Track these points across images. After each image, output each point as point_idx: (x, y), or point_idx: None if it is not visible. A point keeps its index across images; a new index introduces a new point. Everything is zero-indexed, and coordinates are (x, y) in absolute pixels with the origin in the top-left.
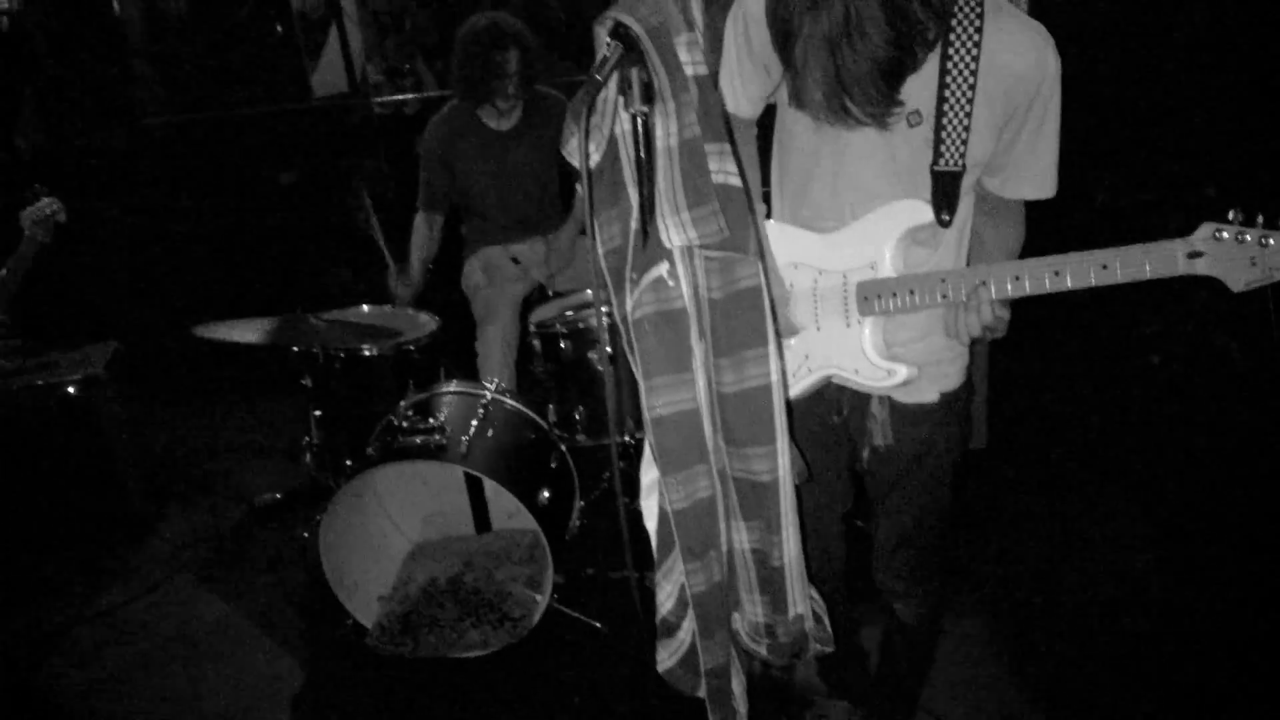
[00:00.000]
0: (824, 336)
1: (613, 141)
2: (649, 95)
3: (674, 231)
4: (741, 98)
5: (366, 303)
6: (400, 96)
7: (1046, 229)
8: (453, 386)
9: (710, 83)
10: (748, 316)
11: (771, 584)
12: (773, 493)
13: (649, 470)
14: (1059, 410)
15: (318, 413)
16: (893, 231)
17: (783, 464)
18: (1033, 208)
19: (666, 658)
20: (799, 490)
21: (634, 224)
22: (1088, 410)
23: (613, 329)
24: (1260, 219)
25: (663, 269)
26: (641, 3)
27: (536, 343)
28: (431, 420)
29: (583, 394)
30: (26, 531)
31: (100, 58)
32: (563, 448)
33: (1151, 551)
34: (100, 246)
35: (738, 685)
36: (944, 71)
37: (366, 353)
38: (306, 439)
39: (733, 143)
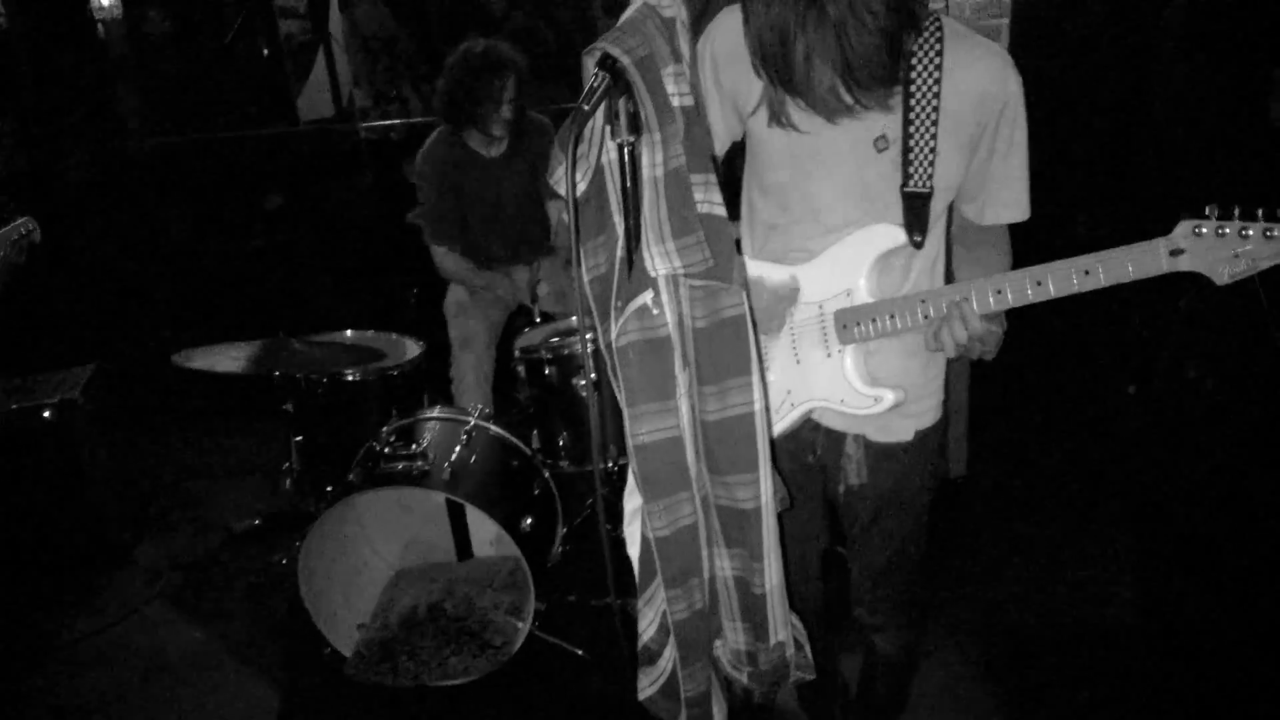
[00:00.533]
0: (804, 369)
1: (599, 170)
2: (636, 125)
3: (659, 260)
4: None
5: (350, 327)
6: (388, 122)
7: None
8: (436, 412)
9: (696, 114)
10: (731, 345)
11: (753, 611)
12: (755, 520)
13: (632, 497)
14: (1039, 439)
15: (299, 438)
16: (867, 256)
17: (765, 491)
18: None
19: (647, 685)
20: (781, 518)
21: (619, 252)
22: (1067, 439)
23: (597, 356)
24: (1236, 211)
25: (647, 297)
26: (630, 34)
27: (521, 369)
28: (414, 446)
29: (566, 420)
30: (6, 555)
31: (83, 79)
32: (546, 474)
33: (1133, 578)
34: (81, 268)
35: (719, 713)
36: (908, 95)
37: (350, 377)
38: (287, 464)
39: (717, 173)
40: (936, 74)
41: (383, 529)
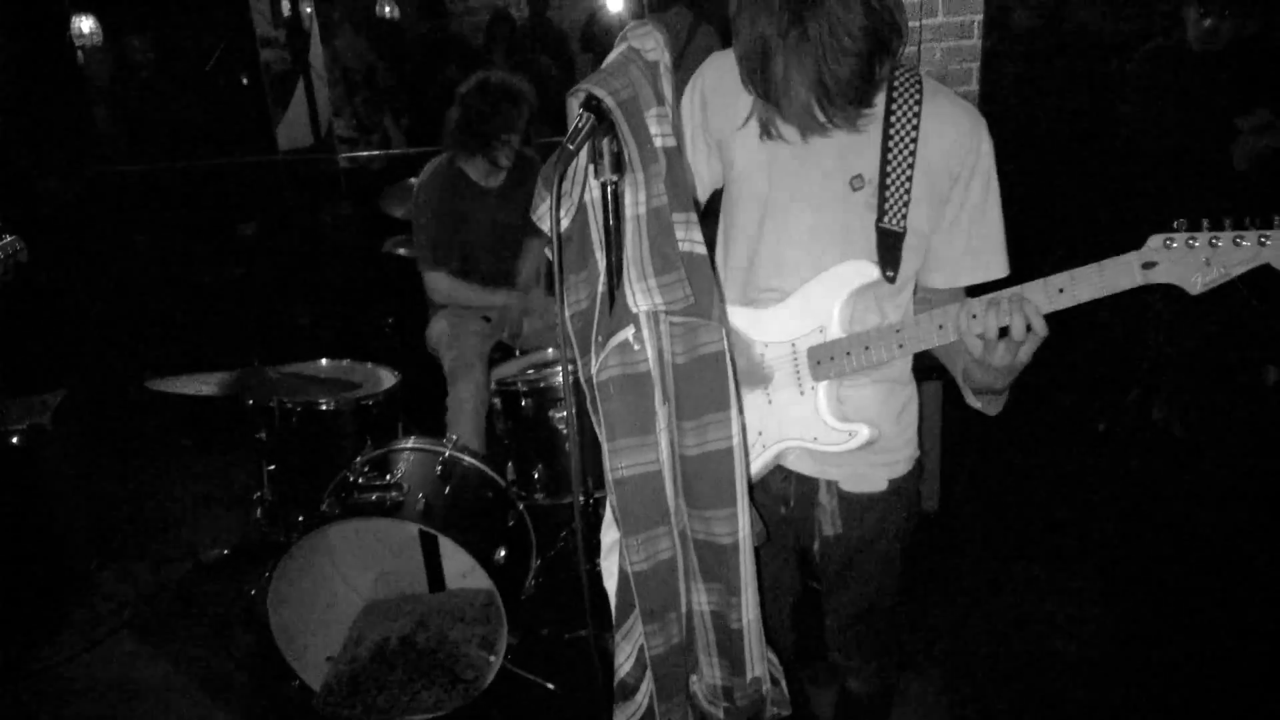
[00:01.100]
0: (776, 409)
1: (582, 208)
2: (619, 165)
3: (641, 297)
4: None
5: (325, 356)
6: (369, 153)
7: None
8: (410, 443)
9: (679, 154)
10: (710, 381)
11: (730, 646)
12: (733, 555)
13: (609, 531)
14: (1010, 474)
15: (271, 467)
16: (840, 292)
17: (743, 526)
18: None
19: None
20: (758, 553)
21: (601, 288)
22: (1038, 474)
23: (577, 389)
24: (1205, 223)
25: (629, 333)
26: (615, 76)
27: (497, 400)
28: (388, 476)
29: (542, 453)
30: None
31: (61, 105)
32: (520, 506)
33: (1103, 612)
34: (55, 292)
35: None
36: (887, 137)
37: (323, 407)
38: (258, 494)
39: (699, 212)
40: (915, 119)
41: (355, 560)
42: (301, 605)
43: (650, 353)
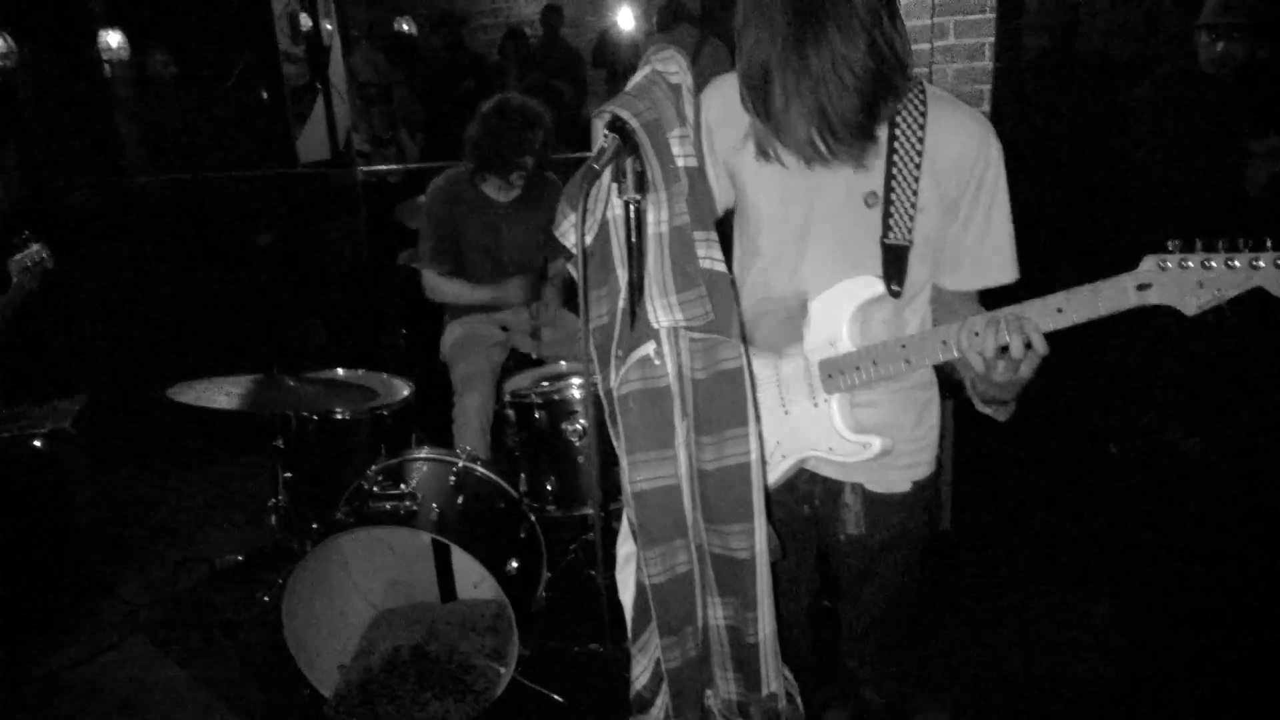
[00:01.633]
0: (792, 420)
1: (604, 225)
2: (641, 184)
3: (662, 313)
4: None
5: (341, 365)
6: (386, 167)
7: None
8: (424, 453)
9: (700, 174)
10: (729, 396)
11: (746, 661)
12: (749, 570)
13: (625, 543)
14: (1022, 493)
15: (288, 474)
16: (847, 307)
17: (759, 541)
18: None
19: None
20: (774, 568)
21: (621, 303)
22: (1050, 494)
23: (594, 402)
24: (1199, 244)
25: (649, 348)
26: (638, 98)
27: (511, 412)
28: (402, 486)
29: (555, 465)
30: None
31: (86, 115)
32: (532, 518)
33: (1118, 634)
34: (76, 300)
35: None
36: (891, 150)
37: (339, 416)
38: (273, 500)
39: (723, 233)
40: (920, 133)
41: (367, 568)
42: (314, 613)
43: (670, 368)
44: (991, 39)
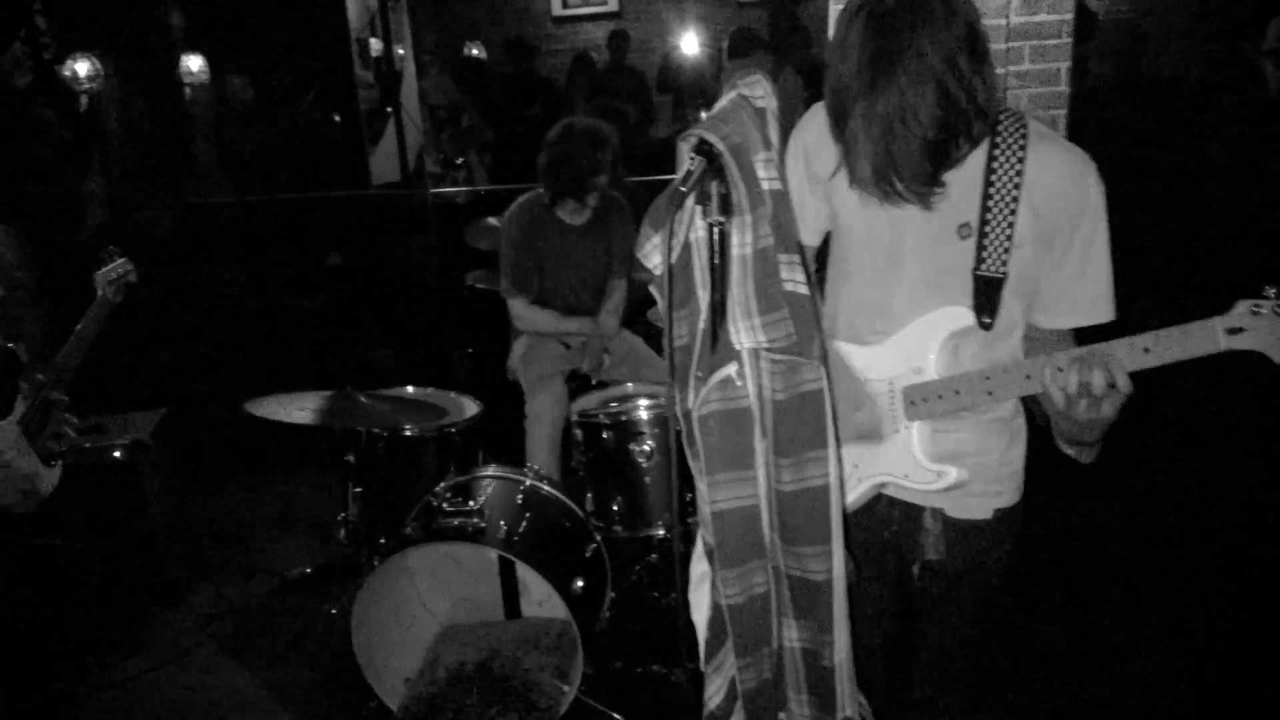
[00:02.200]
0: (871, 444)
1: (686, 247)
2: (726, 207)
3: (745, 334)
4: (801, 226)
5: (411, 383)
6: (455, 189)
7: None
8: (491, 470)
9: (784, 198)
10: (809, 418)
11: (821, 684)
12: (826, 592)
13: (699, 563)
14: (1087, 522)
15: (357, 489)
16: (935, 336)
17: (837, 564)
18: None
19: None
20: (852, 588)
21: (702, 324)
22: (1119, 528)
23: (663, 423)
24: None
25: (731, 369)
26: (725, 122)
27: (579, 432)
28: (471, 503)
29: (622, 486)
30: (63, 591)
31: (166, 136)
32: (598, 538)
33: (1187, 668)
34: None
35: None
36: (988, 183)
37: (408, 433)
38: (343, 515)
39: (802, 254)
40: (1019, 165)
41: (434, 584)
42: (382, 626)
43: (751, 389)
44: (1068, 64)
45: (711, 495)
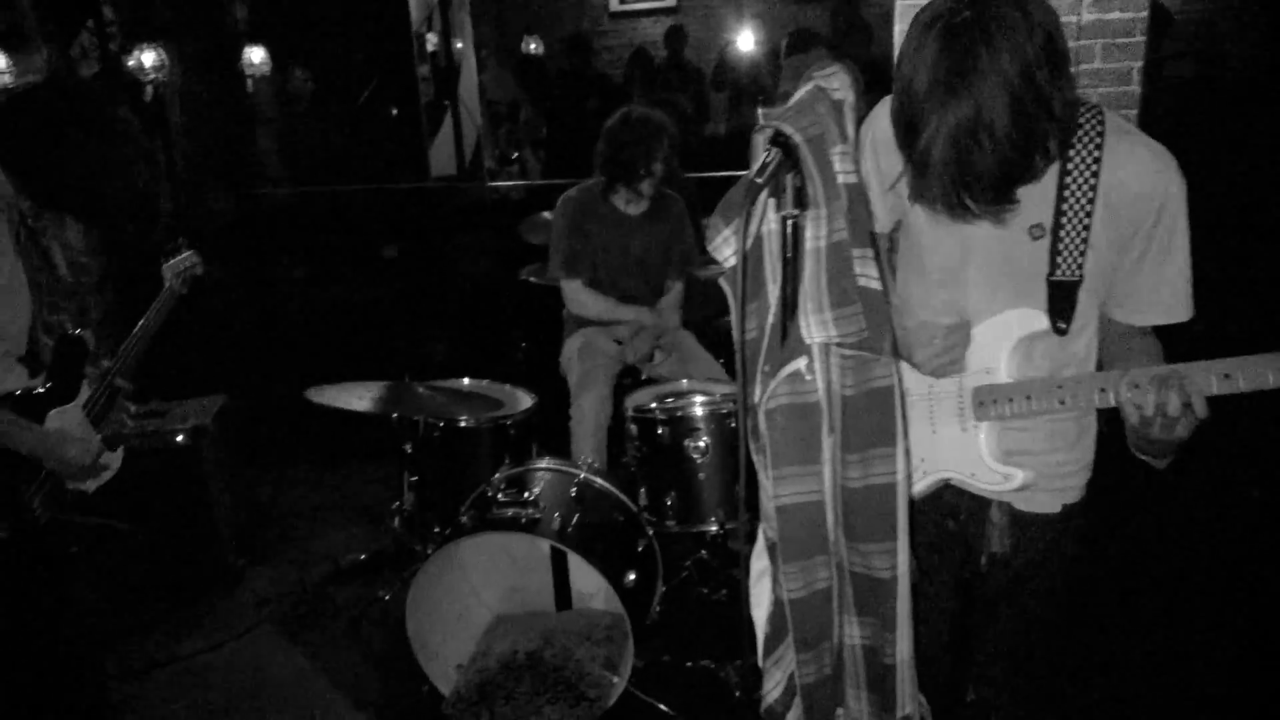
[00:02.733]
0: (940, 440)
1: (757, 240)
2: (801, 200)
3: (816, 328)
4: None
5: (467, 375)
6: (512, 183)
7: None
8: (545, 463)
9: (859, 191)
10: (878, 415)
11: (881, 682)
12: (890, 590)
13: (759, 559)
14: (1158, 530)
15: (413, 478)
16: (1009, 338)
17: (902, 561)
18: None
19: None
20: (914, 586)
21: (771, 319)
22: (1187, 534)
23: (719, 419)
24: None
25: (801, 363)
26: (802, 114)
27: (634, 427)
28: (525, 494)
29: (676, 481)
30: (126, 570)
31: (229, 127)
32: (650, 532)
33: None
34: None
35: None
36: (1063, 185)
37: (464, 424)
38: (398, 503)
39: (875, 249)
40: (1095, 166)
41: (486, 573)
42: (435, 613)
43: (820, 383)
44: (1140, 63)
45: (776, 490)
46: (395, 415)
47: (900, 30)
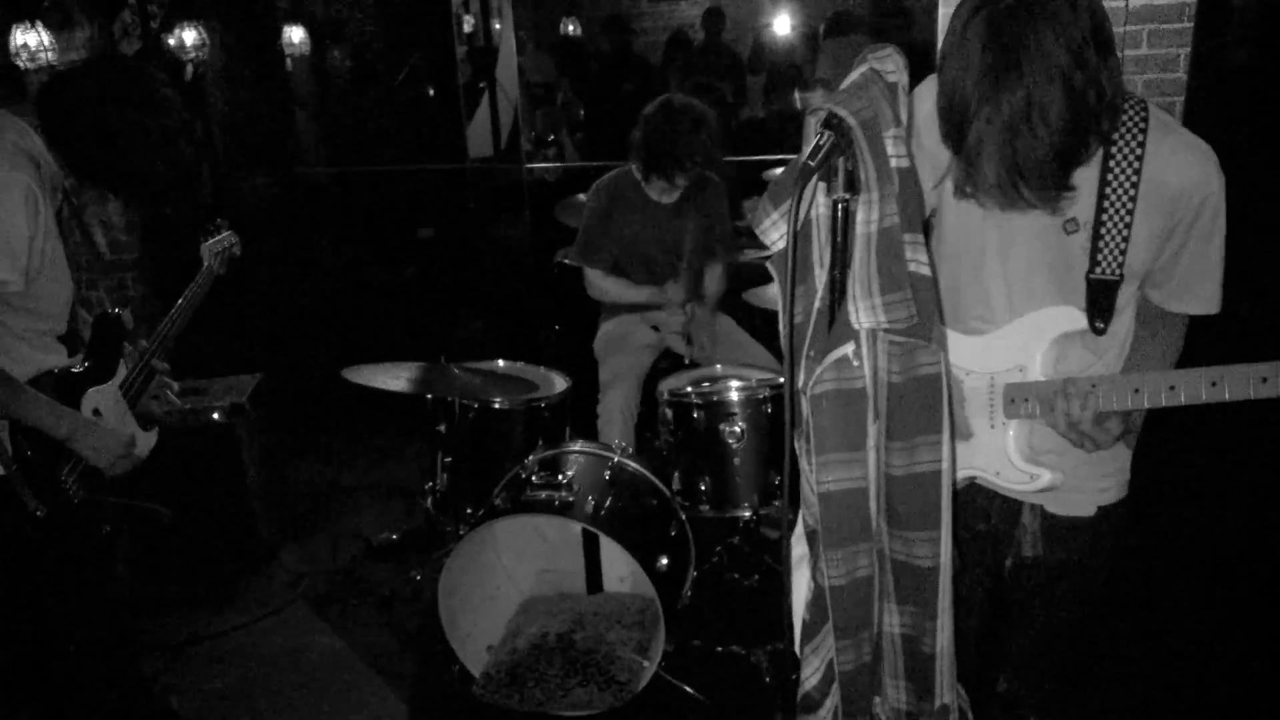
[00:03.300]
0: (965, 436)
1: (806, 224)
2: (852, 184)
3: (864, 314)
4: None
5: (502, 357)
6: (548, 165)
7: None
8: (579, 446)
9: (911, 176)
10: (924, 402)
11: (920, 671)
12: (932, 579)
13: (798, 544)
14: (1196, 527)
15: (447, 459)
16: (1044, 337)
17: (945, 551)
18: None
19: None
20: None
21: (818, 304)
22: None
23: (755, 404)
24: None
25: (848, 349)
26: (856, 97)
27: (668, 411)
28: (559, 477)
29: (711, 466)
30: (162, 547)
31: (268, 107)
32: (683, 516)
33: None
34: (252, 284)
35: None
36: (1104, 182)
37: (498, 405)
38: (431, 483)
39: (926, 235)
40: (1137, 163)
41: (518, 554)
42: (467, 594)
43: (867, 369)
44: (1187, 50)
45: (819, 476)
46: (430, 396)
47: (945, 14)
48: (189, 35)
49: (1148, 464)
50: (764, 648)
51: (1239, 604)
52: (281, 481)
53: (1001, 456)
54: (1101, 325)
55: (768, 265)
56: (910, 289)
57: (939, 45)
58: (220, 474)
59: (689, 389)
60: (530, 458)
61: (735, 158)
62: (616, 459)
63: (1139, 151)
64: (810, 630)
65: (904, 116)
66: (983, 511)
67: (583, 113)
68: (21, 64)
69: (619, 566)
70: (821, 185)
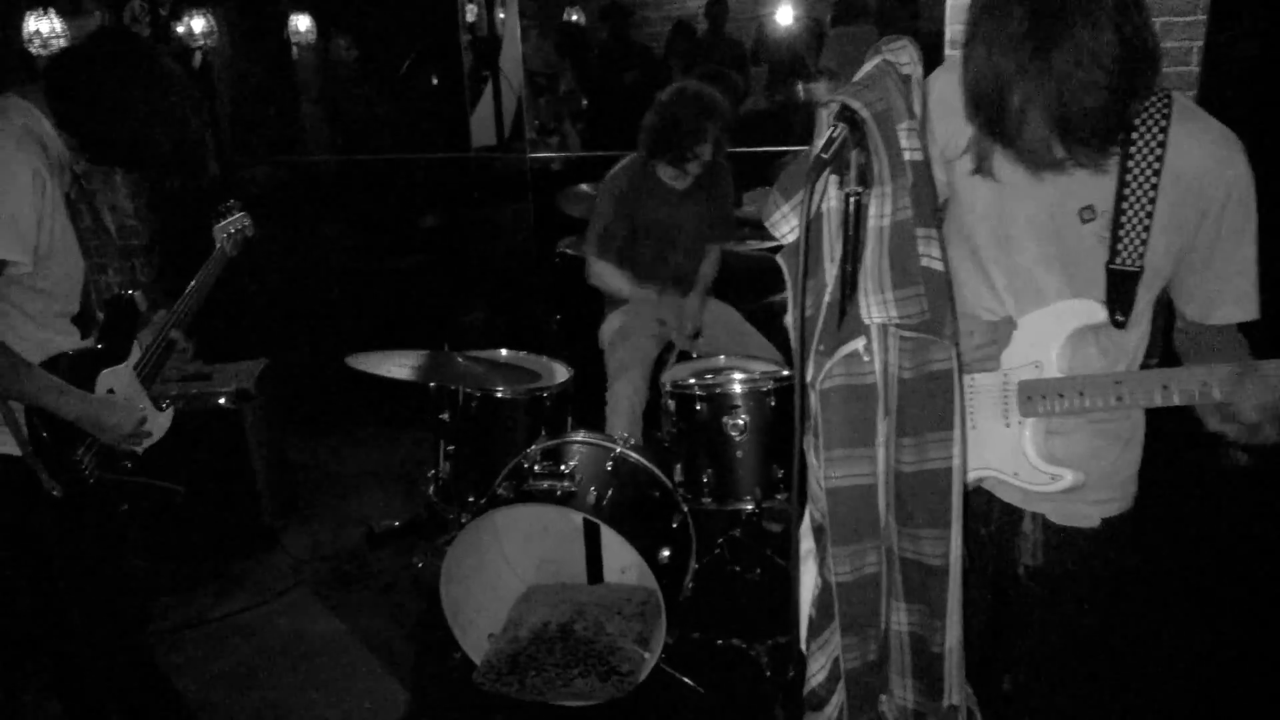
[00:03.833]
0: (979, 436)
1: (817, 217)
2: (864, 177)
3: (875, 309)
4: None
5: (505, 347)
6: (552, 154)
7: None
8: (582, 436)
9: (925, 169)
10: (936, 398)
11: (928, 670)
12: (941, 578)
13: (805, 539)
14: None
15: (450, 447)
16: (1061, 331)
17: (954, 549)
18: None
19: None
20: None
21: (828, 298)
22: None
23: (758, 397)
24: None
25: (859, 344)
26: (869, 89)
27: (671, 402)
28: (562, 467)
29: (713, 458)
30: (167, 531)
31: (274, 94)
32: (685, 509)
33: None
34: (258, 270)
35: None
36: (1125, 169)
37: (500, 395)
38: (433, 471)
39: (939, 229)
40: (1159, 150)
41: (520, 544)
42: (468, 582)
43: (878, 365)
44: (1200, 43)
45: (827, 471)
46: (433, 384)
47: (953, 3)
48: (198, 23)
49: (1151, 469)
50: (764, 641)
51: (1240, 604)
52: (285, 467)
53: (1019, 456)
54: (1121, 318)
55: (777, 258)
56: (923, 284)
57: (947, 34)
58: (225, 459)
59: (692, 381)
60: (533, 447)
61: (737, 149)
62: (619, 450)
63: (1161, 138)
64: (816, 627)
65: (918, 109)
66: (984, 516)
67: (585, 102)
68: (34, 50)
69: (620, 557)
70: (833, 178)
